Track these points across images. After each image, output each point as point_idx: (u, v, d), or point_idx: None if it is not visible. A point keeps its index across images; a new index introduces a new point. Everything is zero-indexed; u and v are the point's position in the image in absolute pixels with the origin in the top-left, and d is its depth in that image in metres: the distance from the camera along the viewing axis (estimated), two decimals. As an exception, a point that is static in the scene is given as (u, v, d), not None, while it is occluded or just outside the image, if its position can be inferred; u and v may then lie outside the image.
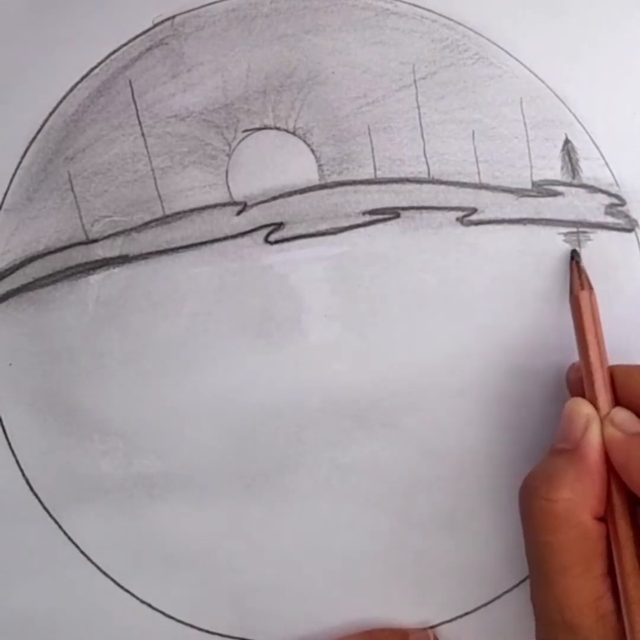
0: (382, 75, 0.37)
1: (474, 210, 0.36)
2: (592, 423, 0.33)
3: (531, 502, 0.32)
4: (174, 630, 0.37)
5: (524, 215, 0.37)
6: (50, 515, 0.37)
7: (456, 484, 0.37)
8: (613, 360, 0.34)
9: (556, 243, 0.37)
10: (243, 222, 0.37)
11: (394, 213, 0.37)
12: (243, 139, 0.37)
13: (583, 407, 0.33)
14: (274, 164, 0.37)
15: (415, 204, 0.37)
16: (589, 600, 0.31)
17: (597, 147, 0.37)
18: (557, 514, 0.31)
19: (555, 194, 0.37)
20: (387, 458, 0.37)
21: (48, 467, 0.37)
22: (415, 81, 0.37)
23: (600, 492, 0.32)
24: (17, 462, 0.37)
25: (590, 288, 0.34)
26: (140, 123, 0.37)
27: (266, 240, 0.37)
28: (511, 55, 0.36)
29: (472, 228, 0.37)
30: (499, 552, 0.37)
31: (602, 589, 0.31)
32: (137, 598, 0.37)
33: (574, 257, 0.36)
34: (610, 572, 0.32)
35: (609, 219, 0.37)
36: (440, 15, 0.37)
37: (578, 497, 0.31)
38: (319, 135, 0.37)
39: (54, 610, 0.37)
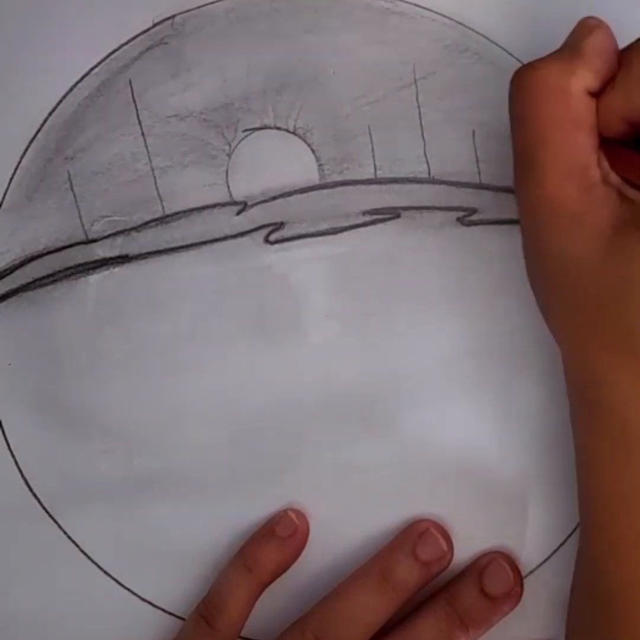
0: (382, 75, 0.36)
1: (475, 210, 0.36)
2: (603, 26, 0.30)
3: (516, 77, 0.31)
4: (175, 628, 0.37)
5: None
6: (50, 516, 0.37)
7: (456, 484, 0.37)
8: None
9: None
10: (243, 222, 0.37)
11: (394, 213, 0.37)
12: (243, 138, 0.37)
13: (592, 19, 0.31)
14: (274, 164, 0.37)
15: (415, 204, 0.37)
16: (573, 168, 0.30)
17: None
18: (540, 78, 0.30)
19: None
20: (387, 458, 0.37)
21: (47, 467, 0.37)
22: (415, 81, 0.37)
23: (599, 69, 0.30)
24: (16, 462, 0.37)
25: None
26: (140, 123, 0.37)
27: (266, 240, 0.37)
28: (512, 55, 0.36)
29: (473, 228, 0.37)
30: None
31: (588, 161, 0.30)
32: (138, 596, 0.37)
33: None
34: (598, 150, 0.30)
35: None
36: (440, 14, 0.36)
37: (566, 66, 0.30)
38: (319, 135, 0.37)
39: (54, 610, 0.37)
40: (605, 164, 0.30)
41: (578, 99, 0.30)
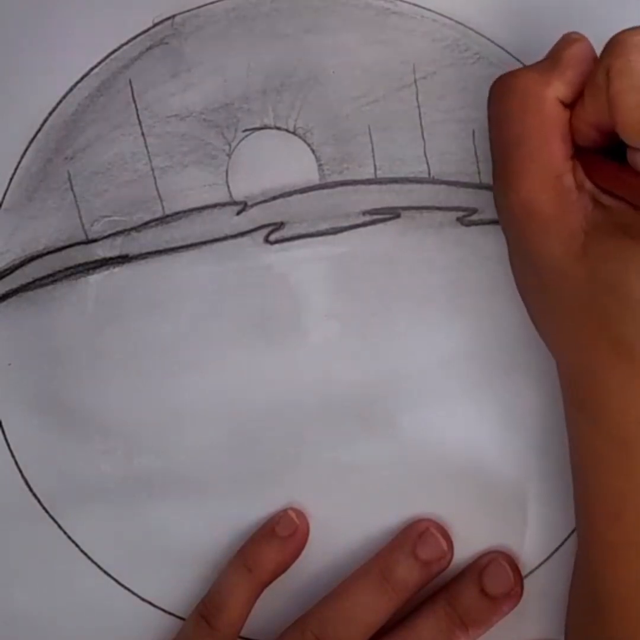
0: (382, 75, 0.36)
1: (475, 210, 0.36)
2: (582, 40, 0.31)
3: (495, 84, 0.32)
4: (175, 628, 0.37)
5: (525, 215, 0.36)
6: (50, 516, 0.37)
7: (456, 484, 0.37)
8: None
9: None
10: (243, 222, 0.37)
11: (394, 213, 0.37)
12: (243, 138, 0.37)
13: (574, 34, 0.32)
14: (274, 164, 0.37)
15: (415, 204, 0.37)
16: (547, 174, 0.31)
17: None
18: (517, 86, 0.31)
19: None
20: (387, 458, 0.37)
21: (47, 467, 0.37)
22: (415, 81, 0.37)
23: (573, 80, 0.31)
24: (16, 462, 0.37)
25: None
26: (140, 122, 0.37)
27: (266, 240, 0.37)
28: (511, 55, 0.36)
29: (473, 228, 0.37)
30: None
31: (562, 168, 0.31)
32: (138, 596, 0.37)
33: None
34: (573, 158, 0.31)
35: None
36: (440, 14, 0.36)
37: (542, 76, 0.31)
38: (319, 135, 0.37)
39: (54, 610, 0.37)
40: (580, 172, 0.31)
41: (552, 108, 0.31)
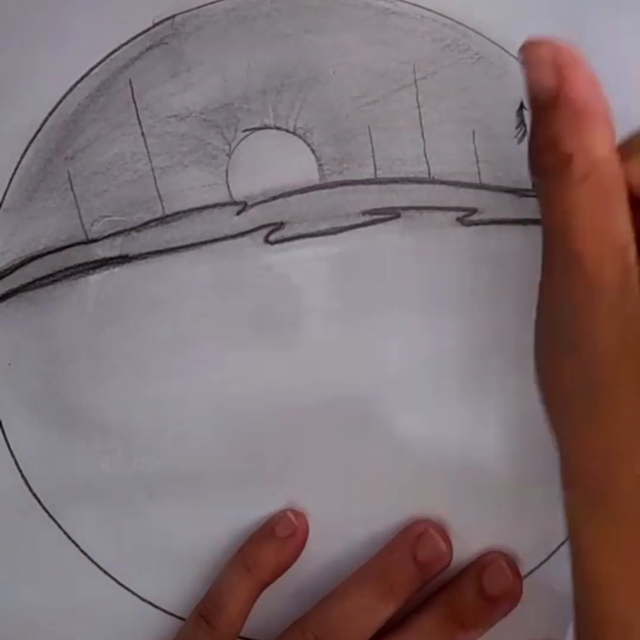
0: (382, 75, 0.36)
1: (474, 210, 0.36)
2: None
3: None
4: (175, 628, 0.37)
5: (525, 216, 0.36)
6: (50, 516, 0.37)
7: (456, 484, 0.37)
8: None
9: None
10: (243, 222, 0.37)
11: (394, 213, 0.37)
12: (243, 138, 0.37)
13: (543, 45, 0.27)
14: (274, 164, 0.37)
15: (415, 204, 0.37)
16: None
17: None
18: None
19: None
20: (387, 458, 0.37)
21: (47, 467, 0.37)
22: (415, 81, 0.37)
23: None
24: (16, 462, 0.37)
25: None
26: (140, 122, 0.37)
27: (266, 240, 0.37)
28: (512, 55, 0.36)
29: (473, 228, 0.37)
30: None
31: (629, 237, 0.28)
32: (138, 596, 0.37)
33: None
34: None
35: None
36: (440, 14, 0.36)
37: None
38: (319, 135, 0.37)
39: (54, 610, 0.37)
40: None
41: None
